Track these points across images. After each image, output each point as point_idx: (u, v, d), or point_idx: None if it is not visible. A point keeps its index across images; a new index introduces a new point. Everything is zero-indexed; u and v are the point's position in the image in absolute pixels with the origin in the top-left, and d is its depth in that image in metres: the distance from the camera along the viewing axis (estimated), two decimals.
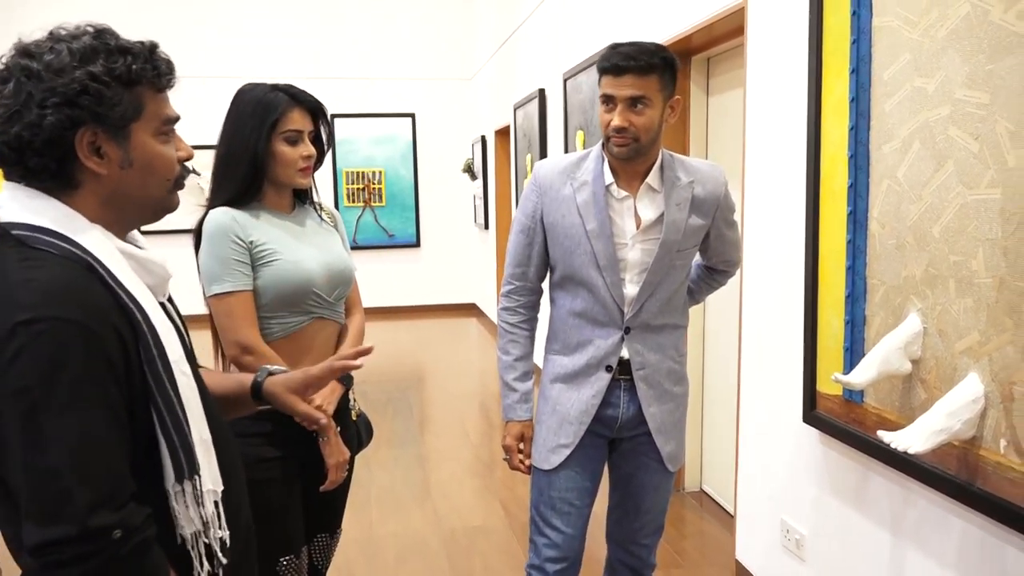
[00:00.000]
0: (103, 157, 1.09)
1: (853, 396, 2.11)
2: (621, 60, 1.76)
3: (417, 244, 9.22)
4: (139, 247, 1.22)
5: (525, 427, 1.99)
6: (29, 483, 0.98)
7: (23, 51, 1.07)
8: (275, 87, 1.79)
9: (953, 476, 1.76)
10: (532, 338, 2.02)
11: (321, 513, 1.94)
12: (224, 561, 1.17)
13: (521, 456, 2.00)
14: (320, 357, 1.85)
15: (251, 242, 1.76)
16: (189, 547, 1.12)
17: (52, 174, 1.07)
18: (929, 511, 1.90)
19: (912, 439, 1.68)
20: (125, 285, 1.07)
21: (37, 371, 0.97)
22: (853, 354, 2.10)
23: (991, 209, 1.63)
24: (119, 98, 1.08)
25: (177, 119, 1.18)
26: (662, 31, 3.41)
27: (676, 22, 3.29)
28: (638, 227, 1.87)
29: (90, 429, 1.00)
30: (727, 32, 3.12)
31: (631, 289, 1.88)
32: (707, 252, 2.05)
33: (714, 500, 3.65)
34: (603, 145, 1.88)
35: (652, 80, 1.78)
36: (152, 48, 1.14)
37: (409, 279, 9.20)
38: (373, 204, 9.10)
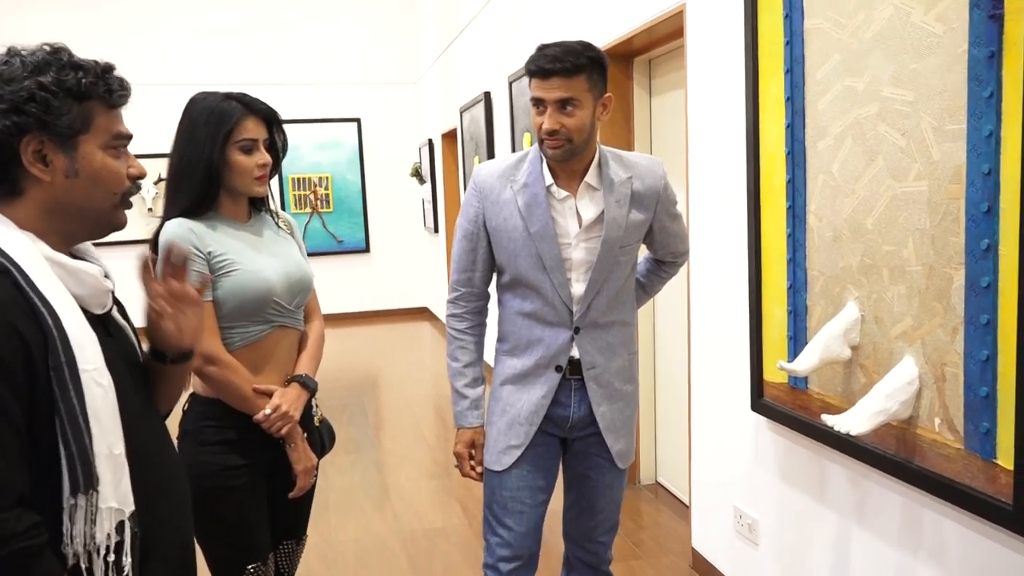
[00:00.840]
0: (48, 165, 1.11)
1: (798, 383, 2.20)
2: (547, 63, 1.76)
3: (367, 249, 9.18)
4: (88, 260, 1.23)
5: (476, 434, 2.00)
6: None
7: None
8: (228, 96, 1.79)
9: (893, 455, 1.86)
10: (481, 344, 2.02)
11: (287, 520, 1.95)
12: None
13: (472, 463, 2.01)
14: (281, 365, 1.87)
15: (209, 253, 1.76)
16: (81, 564, 1.08)
17: None
18: (873, 490, 1.99)
19: (853, 421, 1.76)
20: (41, 291, 1.07)
21: None
22: (796, 343, 2.18)
23: (919, 200, 1.72)
24: (67, 109, 1.11)
25: (129, 137, 1.20)
26: (604, 33, 3.48)
27: (617, 25, 3.36)
28: (580, 226, 1.89)
29: None
30: (667, 34, 3.21)
31: (578, 288, 1.90)
32: (653, 245, 2.08)
33: (669, 492, 3.74)
34: (539, 150, 1.88)
35: (580, 80, 1.78)
36: (106, 68, 1.17)
37: (360, 285, 9.15)
38: (320, 210, 9.03)
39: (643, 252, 2.17)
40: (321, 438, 2.01)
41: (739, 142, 2.45)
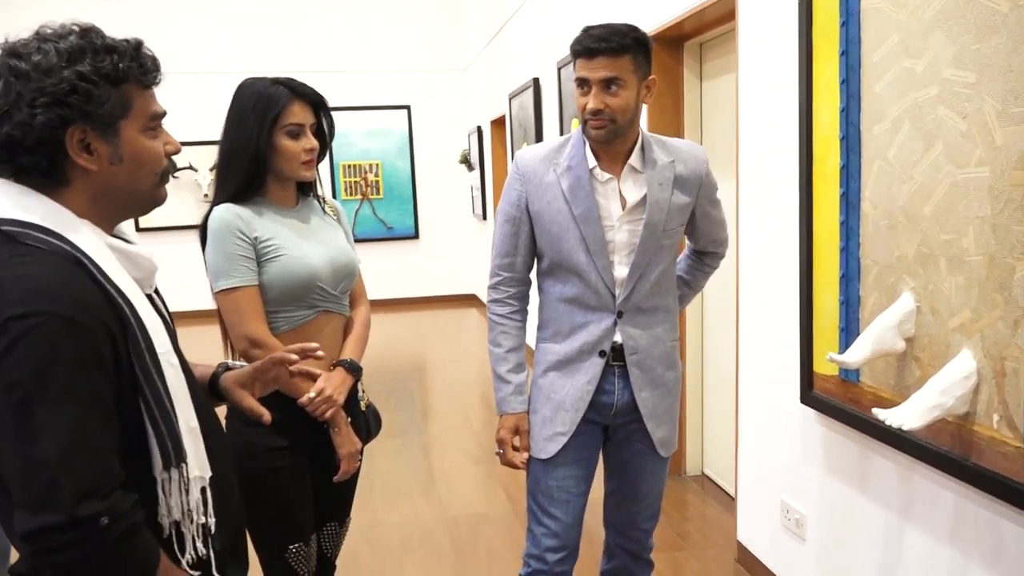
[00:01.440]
0: (93, 154, 1.11)
1: (849, 376, 2.14)
2: (593, 42, 1.76)
3: (416, 236, 9.24)
4: (127, 240, 1.25)
5: (520, 419, 1.97)
6: (21, 473, 1.02)
7: (10, 51, 1.09)
8: (276, 81, 1.80)
9: (947, 451, 1.79)
10: (523, 329, 2.01)
11: (331, 502, 1.97)
12: (203, 549, 1.19)
13: (516, 450, 1.99)
14: (327, 349, 1.88)
15: (256, 238, 1.77)
16: (173, 532, 1.15)
17: (43, 171, 1.10)
18: (925, 487, 1.93)
19: (906, 416, 1.70)
20: (113, 280, 1.10)
21: (29, 365, 1.00)
22: (848, 334, 2.12)
23: (980, 187, 1.65)
24: (107, 96, 1.10)
25: (164, 114, 1.20)
26: (653, 17, 3.42)
27: (667, 8, 3.30)
28: (623, 208, 1.88)
29: (79, 421, 1.03)
30: (718, 17, 3.13)
31: (620, 271, 1.89)
32: (695, 234, 2.05)
33: (716, 483, 3.68)
34: (582, 129, 1.88)
35: (625, 61, 1.78)
36: (137, 46, 1.16)
37: (408, 271, 9.21)
38: (370, 197, 9.11)
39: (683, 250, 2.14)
40: (367, 423, 2.02)
41: (792, 126, 2.38)
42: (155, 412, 1.11)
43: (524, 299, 2.01)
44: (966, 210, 1.69)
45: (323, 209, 1.96)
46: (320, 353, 1.43)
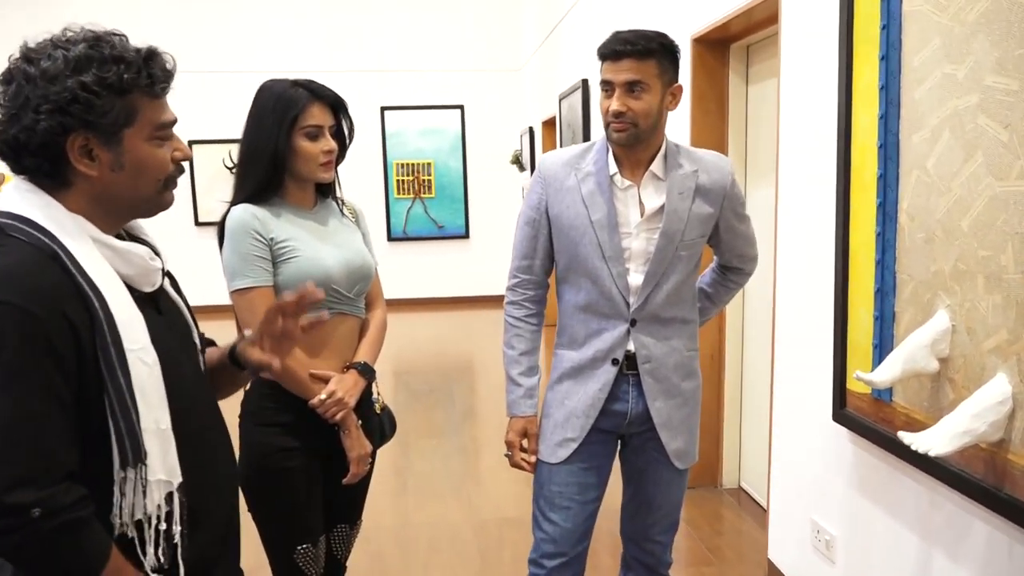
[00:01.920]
0: (94, 160, 1.13)
1: (882, 395, 2.04)
2: (619, 45, 1.76)
3: (466, 235, 9.27)
4: (140, 236, 1.27)
5: (529, 423, 1.97)
6: None
7: (25, 56, 1.12)
8: (296, 83, 1.81)
9: (980, 480, 1.69)
10: (538, 334, 1.99)
11: (342, 504, 1.96)
12: (162, 558, 1.16)
13: (524, 454, 1.98)
14: (340, 351, 1.88)
15: (272, 239, 1.78)
16: (129, 534, 1.13)
17: (46, 173, 1.13)
18: (956, 515, 1.83)
19: (933, 441, 1.62)
20: (88, 273, 1.10)
21: None
22: (882, 351, 2.03)
23: (1020, 201, 1.55)
24: (110, 106, 1.11)
25: (173, 122, 1.20)
26: (699, 19, 3.35)
27: (713, 9, 3.22)
28: (642, 215, 1.85)
29: (19, 408, 1.03)
30: (766, 18, 3.04)
31: (635, 279, 1.86)
32: (719, 247, 2.01)
33: (752, 498, 3.59)
34: (605, 134, 1.86)
35: (650, 65, 1.77)
36: (148, 56, 1.16)
37: (459, 270, 9.24)
38: (423, 196, 9.17)
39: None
40: (382, 426, 2.02)
41: (831, 133, 2.29)
42: (116, 407, 1.10)
43: (541, 303, 2.00)
44: (1005, 225, 1.60)
45: (341, 211, 1.96)
46: (320, 294, 1.38)
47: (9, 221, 1.10)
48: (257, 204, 1.80)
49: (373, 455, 1.95)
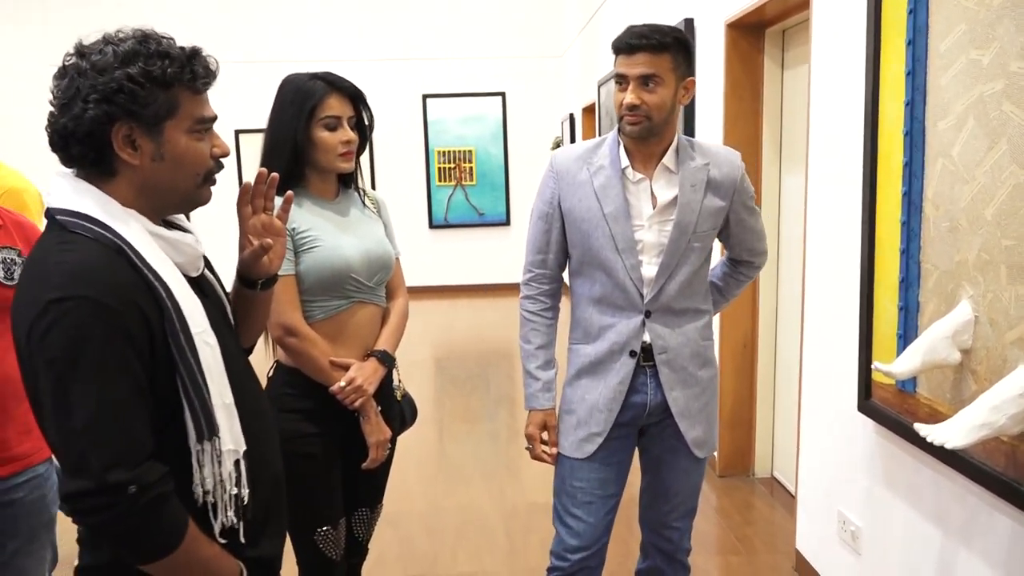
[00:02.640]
0: (137, 149, 1.19)
1: (905, 386, 2.02)
2: (633, 39, 1.77)
3: (507, 222, 9.28)
4: (180, 225, 1.34)
5: (548, 416, 1.98)
6: (59, 441, 1.12)
7: (79, 51, 1.20)
8: (315, 75, 1.84)
9: (1000, 473, 1.67)
10: (553, 327, 2.00)
11: (362, 489, 2.00)
12: (234, 519, 1.25)
13: (544, 446, 1.99)
14: (361, 339, 1.92)
15: (293, 229, 1.82)
16: (207, 501, 1.22)
17: (92, 162, 1.19)
18: (979, 509, 1.80)
19: (950, 434, 1.59)
20: (152, 266, 1.17)
21: (63, 344, 1.09)
22: (906, 342, 1.99)
23: None
24: (153, 97, 1.17)
25: (213, 119, 1.27)
26: (735, 3, 3.30)
27: None
28: (654, 208, 1.86)
29: (108, 396, 1.11)
30: (801, 2, 2.99)
31: (649, 271, 1.87)
32: (729, 240, 2.01)
33: (784, 487, 3.56)
34: (618, 127, 1.87)
35: (664, 59, 1.77)
36: (193, 54, 1.23)
37: (499, 257, 9.26)
38: (464, 183, 9.21)
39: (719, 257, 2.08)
40: (402, 413, 2.05)
41: (858, 120, 2.26)
42: (189, 388, 1.18)
43: (555, 297, 2.01)
44: None
45: (363, 202, 1.99)
46: (274, 175, 1.44)
47: (71, 219, 1.16)
48: (280, 195, 1.84)
49: (393, 441, 1.99)
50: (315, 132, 1.83)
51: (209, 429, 1.20)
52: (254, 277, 1.45)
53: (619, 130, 1.87)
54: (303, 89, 1.83)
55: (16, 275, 1.85)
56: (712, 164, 1.89)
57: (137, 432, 1.14)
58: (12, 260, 1.84)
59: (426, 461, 4.11)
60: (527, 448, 2.03)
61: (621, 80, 1.82)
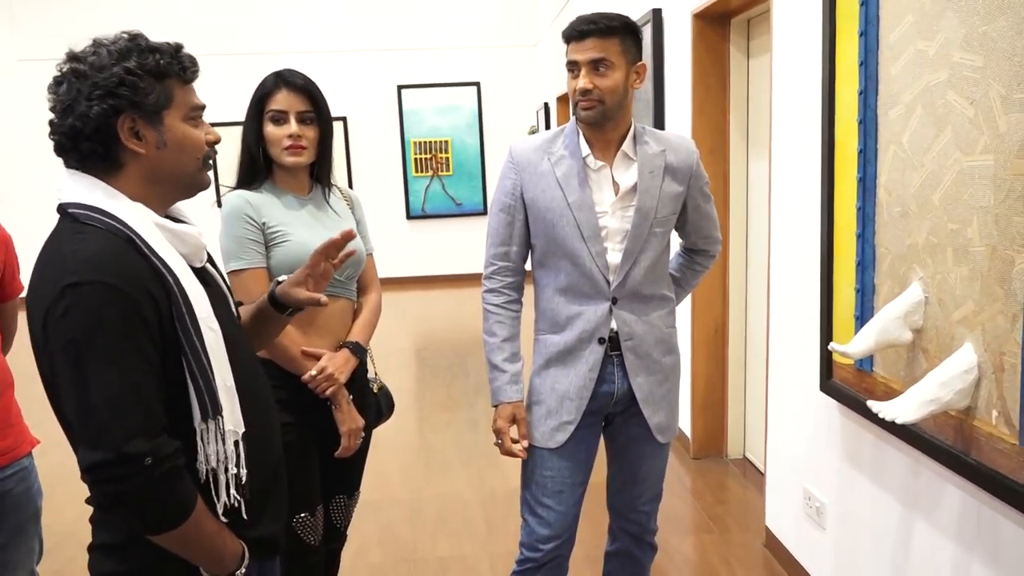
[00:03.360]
0: (141, 139, 1.26)
1: (863, 365, 2.09)
2: (582, 25, 1.82)
3: (484, 212, 9.31)
4: (182, 220, 1.40)
5: (516, 408, 1.97)
6: (78, 417, 1.18)
7: (72, 57, 1.26)
8: (276, 72, 1.89)
9: (950, 446, 1.75)
10: (518, 320, 2.01)
11: (338, 476, 2.06)
12: (237, 496, 1.31)
13: (514, 438, 1.98)
14: (331, 331, 1.96)
15: (264, 223, 1.86)
16: (209, 479, 1.28)
17: (101, 156, 1.25)
18: (932, 481, 1.88)
19: (901, 409, 1.67)
20: (159, 254, 1.24)
21: (81, 325, 1.16)
22: (863, 323, 2.07)
23: (984, 176, 1.59)
24: (151, 88, 1.25)
25: (203, 107, 1.34)
26: None
27: None
28: (616, 195, 1.90)
29: (124, 373, 1.18)
30: None
31: (614, 257, 1.90)
32: (686, 227, 2.05)
33: (756, 467, 3.65)
34: (573, 114, 1.90)
35: (613, 43, 1.82)
36: (177, 48, 1.31)
37: (477, 247, 9.25)
38: (440, 173, 9.23)
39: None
40: (378, 405, 2.11)
41: (816, 108, 2.32)
42: (194, 368, 1.24)
43: (519, 290, 2.02)
44: (971, 199, 1.63)
45: (326, 197, 2.01)
46: (352, 230, 1.52)
47: (82, 211, 1.23)
48: (251, 190, 1.89)
49: (369, 432, 2.04)
50: (264, 126, 1.89)
51: (213, 408, 1.27)
52: (287, 304, 1.54)
53: (575, 117, 1.90)
54: (260, 85, 1.90)
55: None
56: (668, 150, 1.93)
57: (152, 407, 1.21)
58: None
59: (406, 449, 4.16)
60: (496, 444, 2.00)
61: (573, 67, 1.85)
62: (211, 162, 1.37)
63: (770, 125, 2.74)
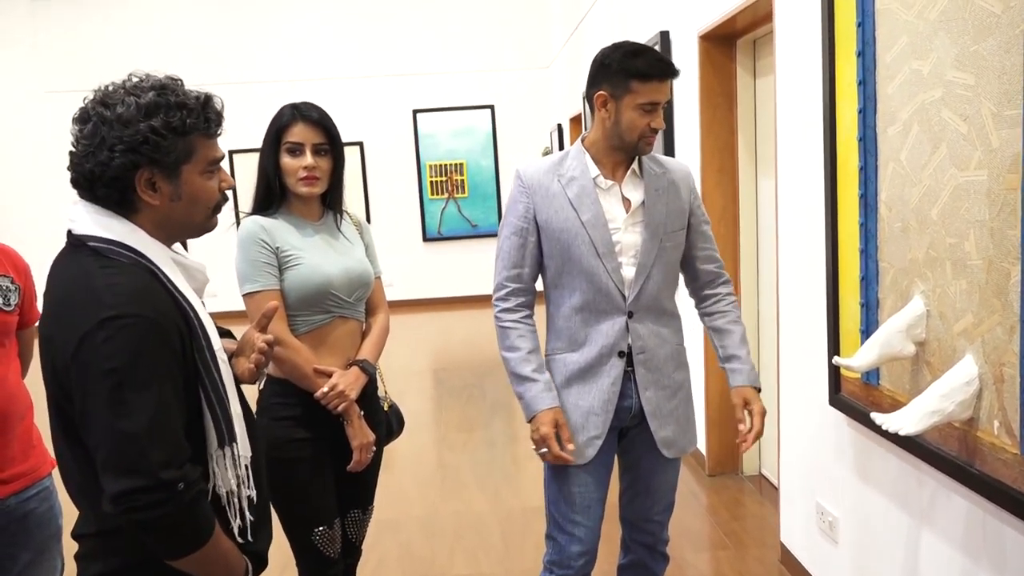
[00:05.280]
0: (157, 191, 1.31)
1: (870, 379, 2.12)
2: (668, 67, 1.90)
3: None
4: (181, 255, 1.44)
5: (556, 413, 1.94)
6: (113, 444, 1.21)
7: (101, 100, 1.30)
8: (292, 104, 1.97)
9: (955, 457, 1.77)
10: (536, 334, 2.03)
11: (353, 491, 2.10)
12: (251, 518, 1.37)
13: (561, 443, 1.93)
14: (341, 351, 2.02)
15: (277, 247, 1.94)
16: (225, 504, 1.33)
17: (115, 202, 1.31)
18: (939, 493, 1.90)
19: (903, 421, 1.70)
20: (180, 289, 1.31)
21: (123, 356, 1.21)
22: (868, 336, 2.10)
23: (979, 191, 1.63)
24: (173, 146, 1.29)
25: (222, 158, 1.40)
26: (706, 15, 3.42)
27: (720, 5, 3.29)
28: (627, 211, 1.97)
29: (161, 403, 1.23)
30: (769, 13, 3.10)
31: (628, 272, 1.96)
32: (696, 260, 2.07)
33: (771, 483, 3.65)
34: (635, 146, 1.93)
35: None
36: (206, 101, 1.35)
37: (493, 268, 9.35)
38: (456, 195, 9.33)
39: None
40: (389, 422, 2.16)
41: (819, 126, 2.37)
42: (212, 399, 1.31)
43: (532, 308, 2.06)
44: (967, 213, 1.67)
45: (337, 223, 2.08)
46: (274, 304, 1.48)
47: (105, 245, 1.28)
48: (265, 216, 1.97)
49: (380, 448, 2.10)
50: (281, 157, 1.96)
51: (230, 436, 1.32)
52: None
53: (635, 150, 1.95)
54: (276, 117, 1.98)
55: (12, 301, 1.95)
56: (668, 171, 2.03)
57: (180, 435, 1.26)
58: (7, 287, 1.94)
59: (424, 469, 4.20)
60: (542, 452, 1.94)
61: (652, 107, 1.88)
62: (221, 208, 1.41)
63: (775, 144, 2.78)
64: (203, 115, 1.32)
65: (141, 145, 1.25)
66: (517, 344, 2.01)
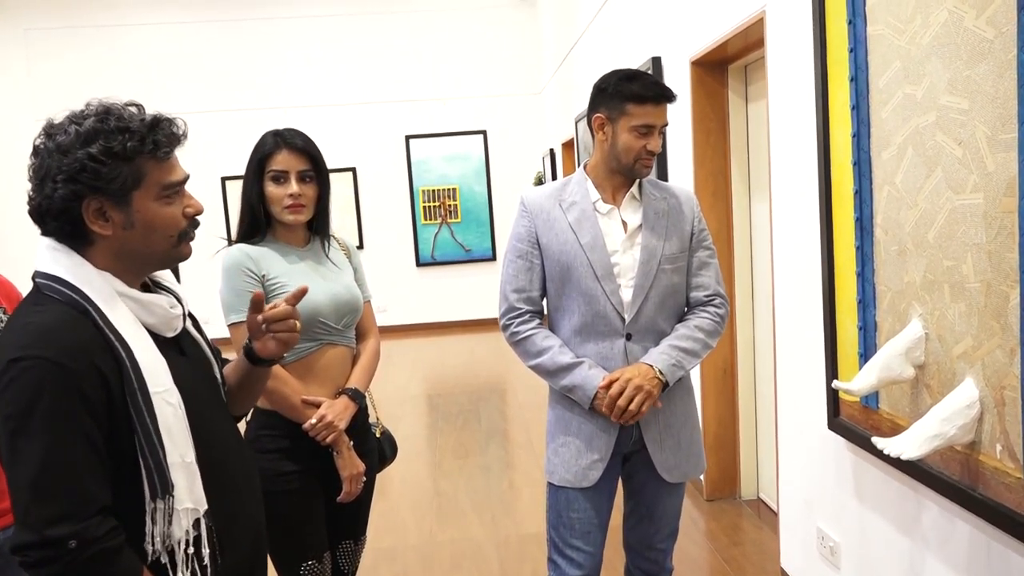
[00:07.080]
0: (108, 220, 1.26)
1: (869, 402, 2.11)
2: (663, 91, 1.94)
3: (493, 258, 9.39)
4: (162, 285, 1.39)
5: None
6: (12, 495, 1.18)
7: (47, 132, 1.26)
8: (275, 131, 1.97)
9: (957, 481, 1.76)
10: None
11: (344, 521, 2.08)
12: None
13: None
14: (330, 378, 2.00)
15: (263, 275, 1.92)
16: (160, 559, 1.25)
17: (68, 234, 1.26)
18: (941, 517, 1.89)
19: (905, 445, 1.69)
20: (116, 326, 1.23)
21: (18, 402, 1.16)
22: (867, 360, 2.09)
23: (975, 214, 1.63)
24: (117, 172, 1.23)
25: (182, 182, 1.32)
26: (698, 42, 3.45)
27: (710, 32, 3.32)
28: (625, 232, 2.00)
29: (55, 452, 1.16)
30: (760, 38, 3.13)
31: (627, 294, 1.97)
32: (693, 280, 2.06)
33: (770, 508, 3.63)
34: (631, 168, 1.96)
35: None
36: (153, 123, 1.28)
37: (487, 292, 9.32)
38: (449, 221, 9.34)
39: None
40: (381, 449, 2.14)
41: (812, 151, 2.38)
42: (144, 446, 1.22)
43: (542, 319, 2.07)
44: (964, 236, 1.67)
45: (324, 249, 2.06)
46: (304, 286, 1.50)
47: (45, 281, 1.25)
48: (251, 243, 1.95)
49: (372, 476, 2.07)
50: (265, 185, 1.94)
51: (163, 487, 1.23)
52: (260, 357, 1.51)
53: (632, 173, 1.98)
54: (259, 144, 1.96)
55: None
56: (669, 195, 2.06)
57: (87, 487, 1.17)
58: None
59: (419, 496, 4.16)
60: (619, 419, 1.89)
61: (647, 129, 1.92)
62: (192, 234, 1.34)
63: (769, 168, 2.80)
64: (150, 138, 1.25)
65: (79, 173, 1.20)
66: (545, 344, 1.99)
